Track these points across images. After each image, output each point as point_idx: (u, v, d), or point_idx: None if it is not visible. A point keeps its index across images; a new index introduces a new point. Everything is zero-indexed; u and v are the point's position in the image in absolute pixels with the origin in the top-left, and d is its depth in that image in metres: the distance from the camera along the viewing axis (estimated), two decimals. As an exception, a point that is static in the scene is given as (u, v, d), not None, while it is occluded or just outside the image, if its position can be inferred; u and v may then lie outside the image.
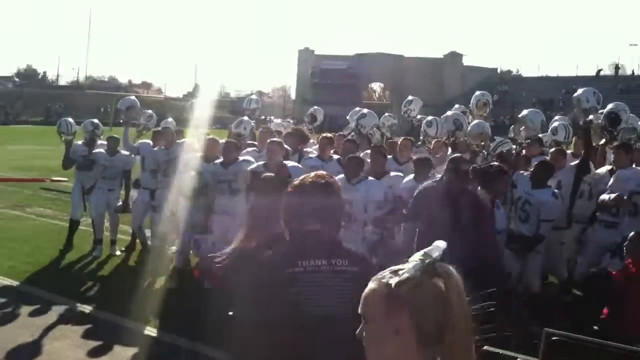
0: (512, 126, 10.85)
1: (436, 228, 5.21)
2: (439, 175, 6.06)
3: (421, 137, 9.44)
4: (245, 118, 9.92)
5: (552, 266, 7.43)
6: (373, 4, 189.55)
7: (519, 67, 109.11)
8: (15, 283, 7.74)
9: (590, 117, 7.61)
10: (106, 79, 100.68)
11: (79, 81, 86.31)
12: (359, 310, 1.59)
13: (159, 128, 9.69)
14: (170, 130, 9.17)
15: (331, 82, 70.51)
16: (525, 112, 9.25)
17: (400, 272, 1.53)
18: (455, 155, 5.82)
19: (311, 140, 9.61)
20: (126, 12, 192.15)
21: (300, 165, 7.15)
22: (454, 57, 72.67)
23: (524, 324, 5.60)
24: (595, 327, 5.27)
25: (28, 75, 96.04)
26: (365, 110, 10.53)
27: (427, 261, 1.52)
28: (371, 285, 1.60)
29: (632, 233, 5.53)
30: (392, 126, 11.21)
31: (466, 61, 73.21)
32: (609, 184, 6.91)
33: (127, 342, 6.01)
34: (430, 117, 9.68)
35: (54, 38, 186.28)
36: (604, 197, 6.73)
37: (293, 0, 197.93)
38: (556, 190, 6.93)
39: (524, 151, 8.13)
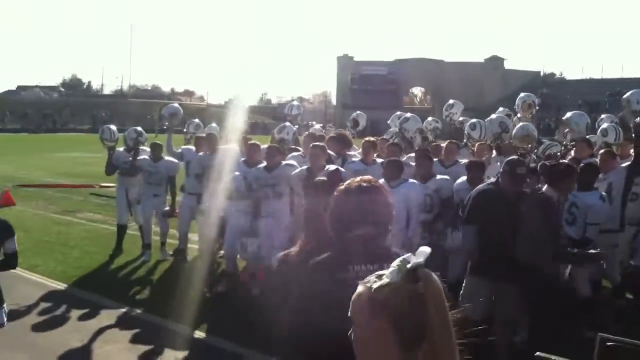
0: (558, 129, 10.70)
1: (494, 230, 5.21)
2: (492, 178, 6.04)
3: (464, 140, 9.36)
4: (288, 123, 9.98)
5: (605, 270, 7.26)
6: (411, 10, 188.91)
7: (562, 69, 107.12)
8: (66, 287, 7.91)
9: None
10: (149, 88, 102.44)
11: (123, 90, 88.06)
12: (349, 314, 1.62)
13: (203, 134, 9.79)
14: (214, 136, 9.27)
15: (371, 88, 70.51)
16: (569, 114, 9.08)
17: (383, 277, 1.56)
18: (512, 157, 5.72)
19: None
20: (167, 21, 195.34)
21: (343, 169, 7.14)
22: (495, 61, 71.94)
23: (578, 329, 5.49)
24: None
25: (73, 85, 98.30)
26: (408, 114, 10.49)
27: (406, 266, 1.53)
28: (359, 289, 1.63)
29: None
30: (435, 130, 11.16)
31: (507, 65, 72.41)
32: None
33: (176, 346, 6.09)
34: (473, 120, 9.59)
35: (97, 48, 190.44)
36: None
37: (332, 8, 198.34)
38: (604, 193, 6.79)
39: (572, 153, 7.98)
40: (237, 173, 7.84)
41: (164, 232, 9.48)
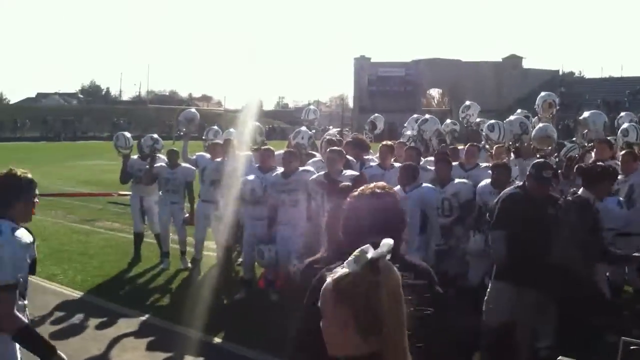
0: (576, 130, 10.55)
1: (522, 235, 5.14)
2: (517, 182, 5.98)
3: (482, 142, 9.25)
4: (303, 128, 9.92)
5: (627, 274, 7.14)
6: (428, 10, 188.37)
7: (581, 68, 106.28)
8: (85, 295, 7.94)
9: None
10: (167, 93, 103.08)
11: (141, 96, 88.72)
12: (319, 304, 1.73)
13: (219, 140, 9.72)
14: (231, 142, 9.26)
15: (389, 89, 70.41)
16: (586, 114, 8.95)
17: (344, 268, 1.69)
18: (538, 160, 5.66)
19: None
20: (184, 27, 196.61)
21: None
22: (514, 60, 71.52)
23: (601, 333, 5.40)
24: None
25: (92, 92, 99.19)
26: (427, 116, 10.43)
27: (365, 257, 1.66)
28: (327, 280, 1.73)
29: None
30: (453, 132, 11.06)
31: (526, 64, 71.92)
32: None
33: (195, 353, 6.09)
34: (492, 121, 9.49)
35: (115, 54, 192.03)
36: None
37: (348, 10, 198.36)
38: (621, 199, 6.72)
39: (592, 154, 7.85)
40: (252, 176, 7.83)
41: (183, 240, 9.45)
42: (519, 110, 11.09)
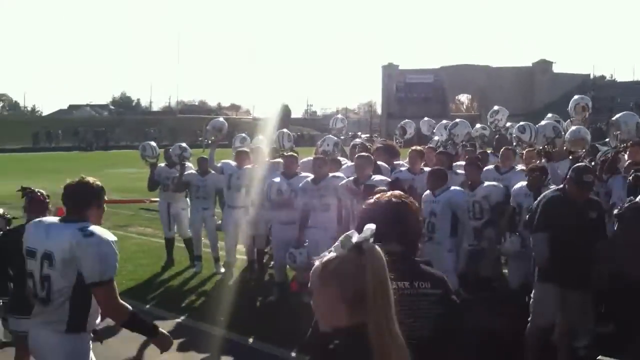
0: (609, 132, 10.41)
1: (563, 237, 5.18)
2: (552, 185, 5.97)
3: (514, 144, 9.20)
4: (329, 135, 10.00)
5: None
6: (456, 16, 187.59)
7: (613, 71, 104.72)
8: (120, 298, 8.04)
9: None
10: (196, 103, 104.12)
11: (171, 106, 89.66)
12: (309, 285, 1.92)
13: (244, 148, 9.78)
14: (260, 149, 9.33)
15: (417, 96, 70.24)
16: (618, 115, 8.84)
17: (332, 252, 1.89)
18: (579, 165, 5.62)
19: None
20: (213, 37, 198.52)
21: (388, 179, 7.10)
22: (544, 65, 70.91)
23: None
24: None
25: (123, 103, 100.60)
26: (457, 120, 10.41)
27: (349, 241, 1.85)
28: (315, 264, 1.92)
29: None
30: (482, 137, 11.01)
31: (556, 68, 71.18)
32: None
33: (228, 354, 6.20)
34: (522, 123, 9.44)
35: (145, 66, 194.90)
36: None
37: (375, 18, 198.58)
38: None
39: (626, 156, 7.75)
40: (277, 178, 7.94)
41: (214, 244, 9.54)
42: (549, 115, 10.98)
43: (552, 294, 5.33)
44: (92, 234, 3.52)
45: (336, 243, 1.88)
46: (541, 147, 8.09)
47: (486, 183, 7.54)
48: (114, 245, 3.57)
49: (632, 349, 5.10)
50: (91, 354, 3.74)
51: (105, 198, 3.84)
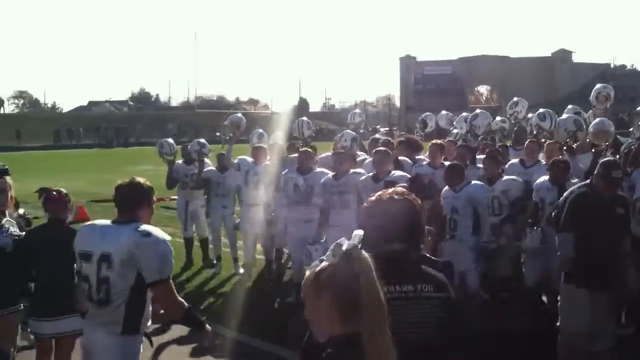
0: (633, 123, 10.17)
1: (593, 236, 5.05)
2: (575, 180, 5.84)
3: (534, 132, 9.04)
4: (347, 130, 9.86)
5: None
6: (473, 7, 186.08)
7: (634, 60, 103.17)
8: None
9: None
10: (215, 98, 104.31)
11: (190, 101, 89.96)
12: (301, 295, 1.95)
13: (262, 144, 9.64)
14: (279, 145, 9.27)
15: (435, 88, 69.90)
16: (642, 106, 8.66)
17: (324, 262, 1.91)
18: (607, 159, 5.50)
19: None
20: (230, 31, 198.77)
21: (408, 175, 7.02)
22: (564, 54, 70.23)
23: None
24: None
25: (142, 99, 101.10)
26: (477, 111, 10.27)
27: (340, 250, 1.88)
28: (306, 274, 1.95)
29: None
30: (502, 130, 10.86)
31: (576, 58, 70.39)
32: None
33: (246, 357, 6.21)
34: (542, 110, 9.26)
35: (164, 61, 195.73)
36: None
37: (392, 9, 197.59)
38: None
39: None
40: (294, 173, 7.85)
41: (233, 243, 9.46)
42: (569, 106, 10.80)
43: (581, 296, 5.15)
44: (149, 233, 3.60)
45: (328, 252, 1.91)
46: (563, 142, 7.95)
47: (505, 177, 7.34)
48: (169, 243, 3.67)
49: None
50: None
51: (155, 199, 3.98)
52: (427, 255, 3.20)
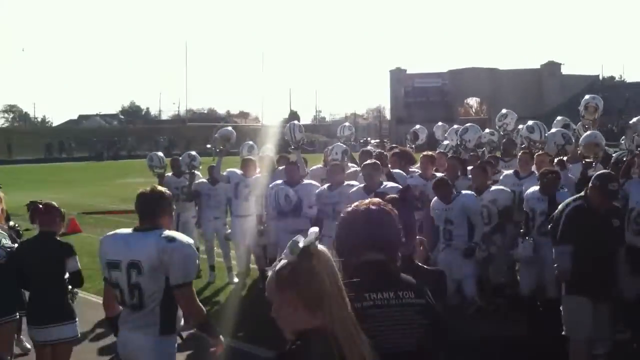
0: (624, 136, 10.23)
1: (589, 247, 5.12)
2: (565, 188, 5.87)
3: (523, 145, 9.10)
4: (338, 143, 9.90)
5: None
6: (462, 19, 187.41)
7: (622, 72, 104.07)
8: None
9: None
10: (205, 111, 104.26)
11: (180, 115, 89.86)
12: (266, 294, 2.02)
13: (251, 156, 9.69)
14: (270, 158, 9.29)
15: (425, 100, 70.11)
16: (635, 119, 8.74)
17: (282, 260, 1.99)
18: (603, 172, 5.53)
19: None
20: (219, 44, 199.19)
21: (400, 186, 7.03)
22: (552, 67, 70.63)
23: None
24: None
25: (132, 112, 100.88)
26: (467, 125, 10.33)
27: (297, 247, 1.95)
28: (269, 274, 2.03)
29: None
30: (491, 143, 10.90)
31: (565, 70, 70.92)
32: None
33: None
34: (530, 122, 9.33)
35: (153, 74, 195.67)
36: None
37: (383, 22, 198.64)
38: None
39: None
40: (282, 184, 7.86)
41: (227, 254, 9.52)
42: (558, 118, 10.87)
43: (584, 306, 5.19)
44: (174, 239, 3.73)
45: (285, 250, 1.98)
46: (553, 156, 7.98)
47: (493, 187, 7.42)
48: (194, 247, 3.81)
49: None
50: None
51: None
52: (420, 264, 3.22)
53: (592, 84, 66.04)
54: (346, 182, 7.51)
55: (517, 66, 75.70)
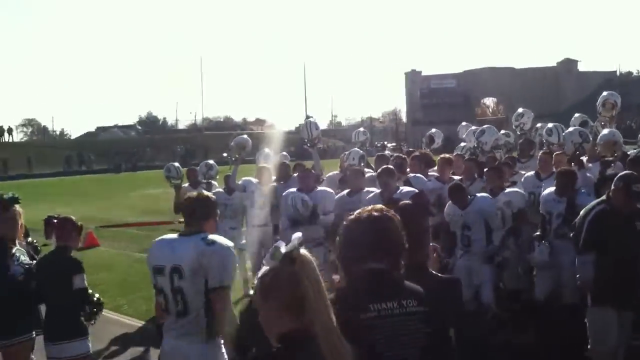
0: (643, 132, 10.08)
1: (615, 254, 4.97)
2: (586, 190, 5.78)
3: (544, 147, 8.99)
4: (355, 149, 9.85)
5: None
6: (476, 20, 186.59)
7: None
8: (151, 326, 7.98)
9: None
10: (222, 119, 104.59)
11: (197, 124, 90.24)
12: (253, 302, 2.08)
13: (266, 165, 9.56)
14: (286, 165, 9.24)
15: (441, 101, 69.91)
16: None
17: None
18: (626, 173, 5.32)
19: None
20: (235, 51, 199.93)
21: (416, 190, 6.97)
22: (569, 64, 70.12)
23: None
24: None
25: (150, 123, 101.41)
26: (484, 127, 10.22)
27: (279, 252, 1.97)
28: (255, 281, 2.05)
29: None
30: (507, 144, 10.77)
31: (582, 67, 70.36)
32: None
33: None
34: (549, 125, 9.23)
35: (170, 84, 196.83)
36: None
37: (397, 24, 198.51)
38: None
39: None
40: (297, 194, 7.70)
41: (242, 265, 9.29)
42: (576, 115, 10.75)
43: (610, 317, 5.05)
44: (213, 242, 3.81)
45: (267, 256, 2.01)
46: (571, 156, 7.86)
47: (507, 189, 7.26)
48: (233, 250, 3.89)
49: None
50: None
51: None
52: (434, 272, 3.17)
53: (610, 80, 65.36)
54: (366, 189, 7.38)
55: (533, 64, 75.23)
